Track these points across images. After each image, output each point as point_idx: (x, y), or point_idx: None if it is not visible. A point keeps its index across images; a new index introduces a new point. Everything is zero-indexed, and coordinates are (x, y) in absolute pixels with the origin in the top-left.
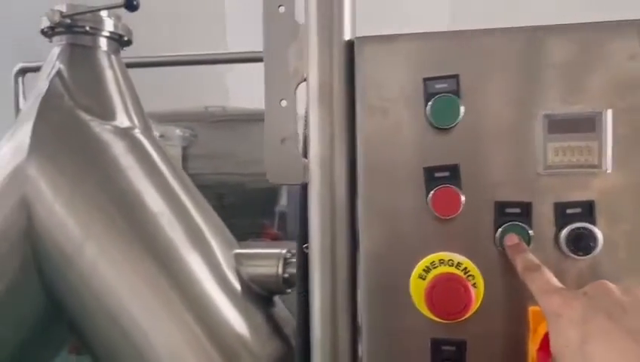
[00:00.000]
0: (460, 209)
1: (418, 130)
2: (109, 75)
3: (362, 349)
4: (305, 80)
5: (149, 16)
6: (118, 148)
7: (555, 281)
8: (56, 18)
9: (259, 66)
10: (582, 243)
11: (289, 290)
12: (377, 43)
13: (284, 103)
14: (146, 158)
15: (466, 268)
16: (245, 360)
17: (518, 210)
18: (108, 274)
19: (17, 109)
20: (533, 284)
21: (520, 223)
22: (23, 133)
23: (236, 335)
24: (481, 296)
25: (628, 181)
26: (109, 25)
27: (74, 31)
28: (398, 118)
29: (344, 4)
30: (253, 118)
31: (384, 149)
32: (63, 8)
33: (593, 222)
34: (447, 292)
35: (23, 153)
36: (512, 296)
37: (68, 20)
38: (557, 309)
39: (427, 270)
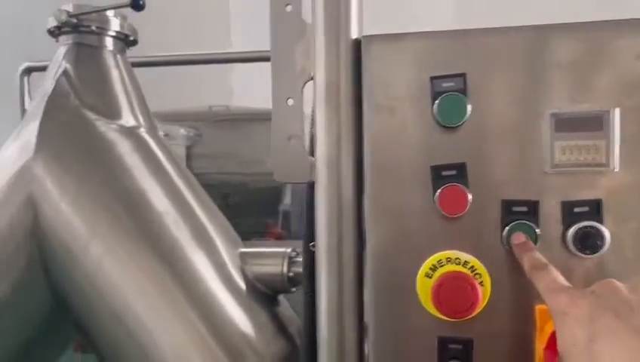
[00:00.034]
0: (467, 207)
1: (425, 128)
2: (114, 74)
3: (369, 348)
4: (312, 79)
5: (153, 15)
6: (124, 147)
7: (562, 280)
8: (63, 18)
9: (263, 66)
10: (589, 241)
11: (294, 289)
12: (384, 42)
13: (290, 102)
14: (152, 157)
15: (472, 267)
16: (250, 358)
17: (525, 209)
18: (113, 273)
19: (22, 108)
20: (540, 283)
21: (527, 222)
22: (30, 132)
23: (241, 334)
24: (488, 294)
25: (635, 179)
26: (115, 24)
27: (80, 30)
28: (405, 116)
29: (351, 3)
30: (257, 118)
31: (391, 148)
32: (70, 8)
33: (600, 221)
34: (454, 290)
35: (29, 152)
36: (519, 294)
37: (74, 20)
38: (564, 308)
39: (434, 268)
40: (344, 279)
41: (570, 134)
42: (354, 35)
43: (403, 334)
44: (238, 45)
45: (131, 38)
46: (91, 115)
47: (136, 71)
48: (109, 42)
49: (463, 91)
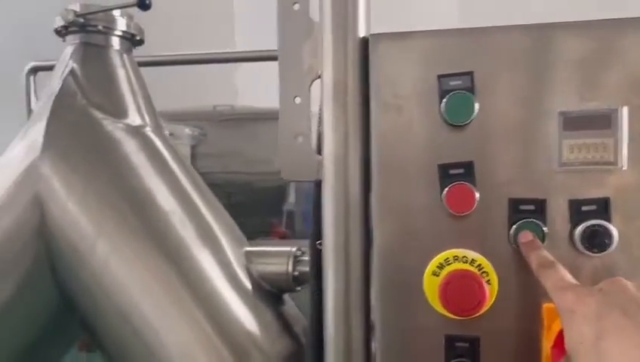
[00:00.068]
0: (475, 206)
1: (432, 127)
2: (121, 73)
3: (375, 346)
4: (319, 77)
5: (157, 15)
6: (130, 146)
7: (569, 278)
8: (70, 17)
9: (267, 65)
10: (597, 240)
11: (299, 288)
12: (391, 40)
13: (298, 100)
14: (158, 156)
15: (480, 265)
16: (255, 357)
17: (532, 207)
18: (119, 272)
19: (29, 108)
20: (547, 281)
21: (534, 220)
22: (36, 132)
23: (246, 332)
24: (495, 292)
25: None
26: (121, 24)
27: (87, 30)
28: (412, 114)
29: (359, 2)
30: (262, 117)
31: (398, 146)
32: (77, 7)
33: (608, 219)
34: (461, 288)
35: (36, 151)
36: (526, 292)
37: (81, 20)
38: (571, 306)
39: (441, 267)
40: (351, 277)
41: (579, 132)
42: (361, 33)
43: (410, 332)
44: (242, 45)
45: (138, 38)
46: (98, 114)
47: (141, 70)
48: (115, 42)
49: (471, 90)
